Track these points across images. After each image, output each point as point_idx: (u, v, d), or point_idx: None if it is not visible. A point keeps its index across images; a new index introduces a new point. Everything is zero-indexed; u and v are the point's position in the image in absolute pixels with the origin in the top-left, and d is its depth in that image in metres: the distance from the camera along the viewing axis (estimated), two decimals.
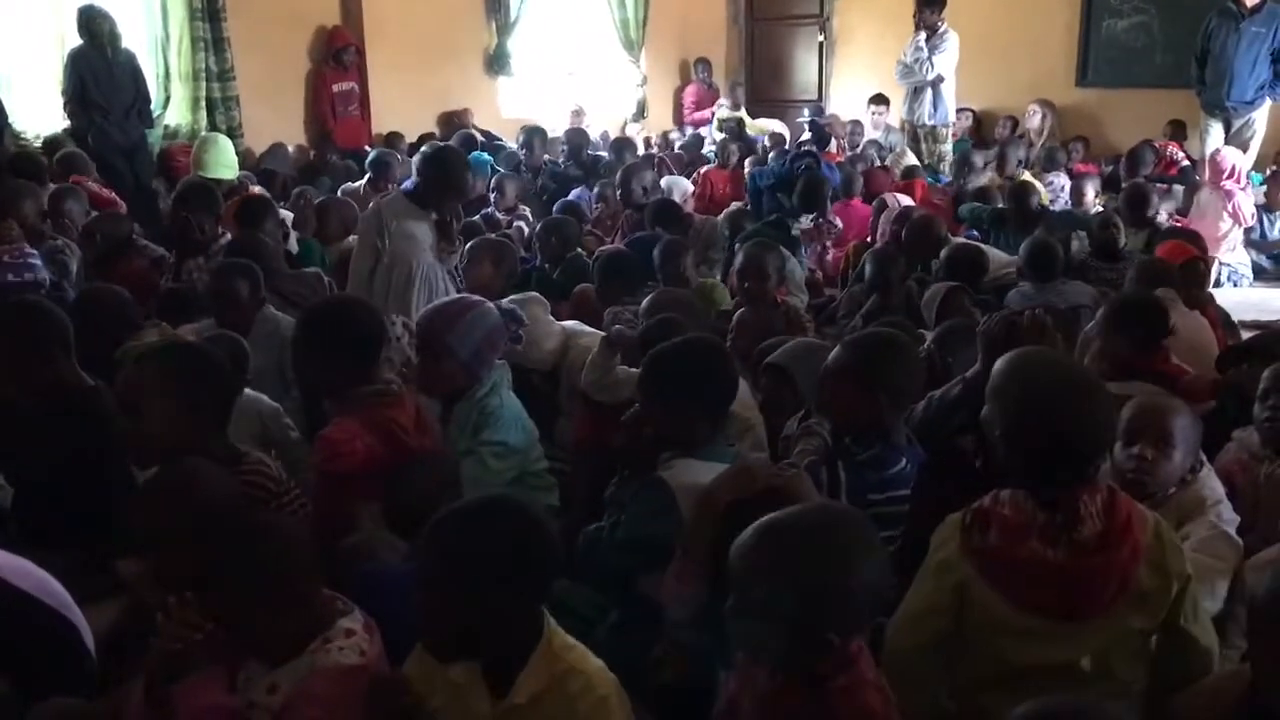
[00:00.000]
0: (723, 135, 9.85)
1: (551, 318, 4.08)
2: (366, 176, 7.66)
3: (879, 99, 10.34)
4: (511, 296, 4.08)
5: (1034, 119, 9.81)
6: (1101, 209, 6.81)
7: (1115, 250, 5.43)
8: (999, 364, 2.06)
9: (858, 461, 2.52)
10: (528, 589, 1.86)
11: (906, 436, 2.69)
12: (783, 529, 1.73)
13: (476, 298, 3.38)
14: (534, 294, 4.19)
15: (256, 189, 6.66)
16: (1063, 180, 8.12)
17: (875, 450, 2.55)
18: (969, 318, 4.03)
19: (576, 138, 9.02)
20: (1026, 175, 7.79)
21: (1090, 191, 7.00)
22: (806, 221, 6.41)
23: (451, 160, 4.48)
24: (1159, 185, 7.45)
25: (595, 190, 7.27)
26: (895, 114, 10.63)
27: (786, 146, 9.50)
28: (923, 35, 8.36)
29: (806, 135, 7.99)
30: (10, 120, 7.49)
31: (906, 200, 6.83)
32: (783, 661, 1.74)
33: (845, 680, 1.71)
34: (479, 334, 3.16)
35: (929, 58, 8.32)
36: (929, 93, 8.53)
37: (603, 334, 3.78)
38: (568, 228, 5.68)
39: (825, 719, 1.71)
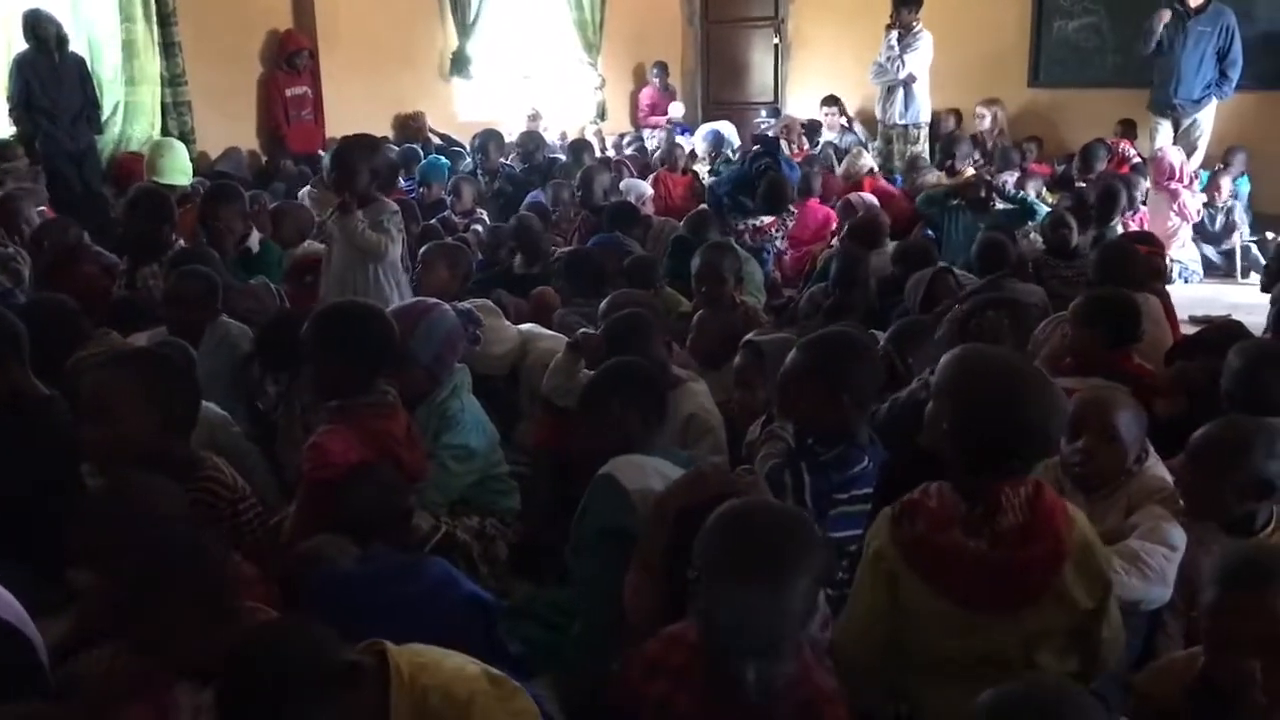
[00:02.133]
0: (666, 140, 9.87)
1: (506, 323, 4.07)
2: (322, 179, 7.60)
3: (830, 100, 10.40)
4: (464, 304, 4.07)
5: (984, 121, 9.89)
6: (1047, 209, 6.91)
7: (1068, 249, 5.49)
8: (947, 360, 2.06)
9: (821, 462, 2.52)
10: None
11: (869, 435, 2.70)
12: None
13: (432, 300, 3.37)
14: (485, 301, 4.16)
15: None
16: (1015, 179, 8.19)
17: (839, 450, 2.55)
18: (955, 300, 4.07)
19: (530, 141, 8.99)
20: (970, 170, 7.88)
21: (1032, 192, 7.07)
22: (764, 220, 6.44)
23: (338, 145, 4.47)
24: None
25: (549, 193, 7.25)
26: (849, 112, 10.77)
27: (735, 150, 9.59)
28: (895, 34, 8.38)
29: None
30: None
31: (872, 200, 6.87)
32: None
33: (804, 693, 1.72)
34: (439, 337, 3.15)
35: (901, 56, 8.36)
36: (900, 92, 8.57)
37: (563, 337, 3.79)
38: (537, 228, 5.69)
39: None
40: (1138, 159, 8.40)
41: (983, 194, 6.47)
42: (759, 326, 4.19)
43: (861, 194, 7.02)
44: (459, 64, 10.45)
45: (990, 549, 1.91)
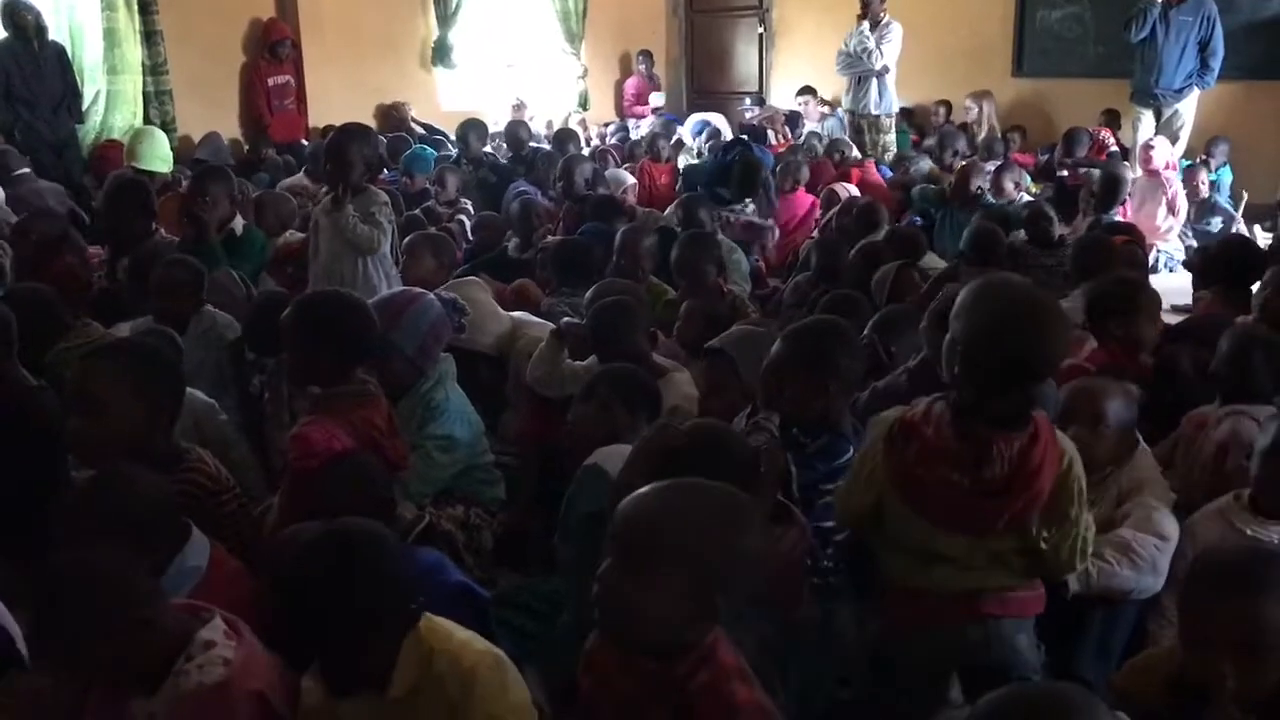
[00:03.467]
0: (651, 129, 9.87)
1: (494, 301, 4.06)
2: (304, 169, 7.58)
3: (806, 90, 10.41)
4: (450, 282, 4.07)
5: (971, 112, 9.90)
6: (1030, 198, 6.92)
7: (1050, 239, 5.49)
8: (965, 289, 2.10)
9: (807, 454, 2.52)
10: (382, 614, 1.87)
11: (853, 424, 2.71)
12: (681, 486, 1.69)
13: (417, 290, 3.36)
14: (472, 277, 4.16)
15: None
16: None
17: (824, 440, 2.55)
18: (918, 294, 4.07)
19: (515, 130, 8.97)
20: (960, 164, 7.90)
21: (1009, 183, 7.05)
22: (749, 211, 6.44)
23: (330, 136, 4.45)
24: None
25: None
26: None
27: (724, 139, 9.59)
28: (866, 25, 8.38)
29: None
30: None
31: (855, 191, 6.88)
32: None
33: (707, 675, 1.63)
34: (424, 327, 3.15)
35: (878, 47, 8.35)
36: (874, 83, 8.57)
37: (551, 326, 3.78)
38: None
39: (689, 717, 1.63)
40: (1116, 148, 8.43)
41: (974, 190, 6.46)
42: (745, 316, 4.20)
43: (845, 184, 7.02)
44: (441, 53, 10.42)
45: (970, 488, 1.99)
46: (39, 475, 2.79)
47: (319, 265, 4.23)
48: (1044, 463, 1.99)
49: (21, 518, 2.72)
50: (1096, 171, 7.11)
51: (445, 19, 10.36)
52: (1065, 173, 8.02)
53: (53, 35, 7.71)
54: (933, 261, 5.18)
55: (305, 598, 1.87)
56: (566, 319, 3.63)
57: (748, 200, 6.64)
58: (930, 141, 8.97)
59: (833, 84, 10.72)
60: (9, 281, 4.62)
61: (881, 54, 8.40)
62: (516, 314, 4.13)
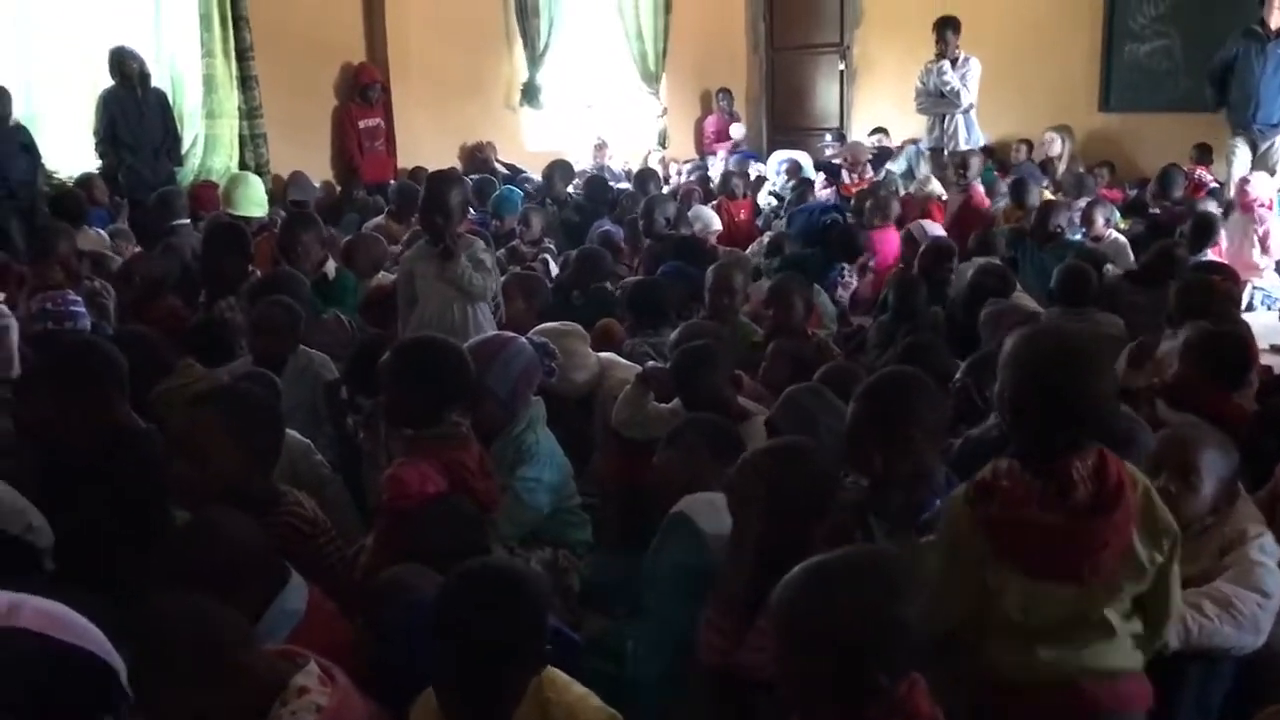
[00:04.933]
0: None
1: (589, 350, 4.09)
2: (387, 210, 7.75)
3: (878, 130, 10.38)
4: (545, 326, 4.11)
5: (1053, 146, 9.75)
6: (1116, 236, 6.78)
7: (1161, 275, 5.34)
8: (1011, 336, 2.14)
9: (894, 511, 2.44)
10: (527, 652, 1.94)
11: (945, 474, 2.65)
12: (828, 566, 1.74)
13: (509, 334, 3.41)
14: (573, 326, 4.19)
15: None
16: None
17: (918, 495, 2.48)
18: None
19: (596, 173, 9.08)
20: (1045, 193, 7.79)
21: (1100, 218, 6.90)
22: (849, 277, 6.40)
23: (428, 184, 4.51)
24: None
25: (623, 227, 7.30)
26: (914, 135, 10.71)
27: (805, 174, 9.60)
28: (946, 63, 8.32)
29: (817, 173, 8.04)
30: (43, 160, 7.62)
31: (936, 229, 6.80)
32: (828, 705, 1.72)
33: None
34: (515, 371, 3.19)
35: (963, 84, 8.29)
36: (960, 119, 8.49)
37: (638, 368, 3.81)
38: (601, 260, 5.71)
39: None
40: (1214, 184, 8.24)
41: (1053, 229, 6.32)
42: (830, 358, 4.16)
43: (923, 223, 6.94)
44: (529, 94, 10.61)
45: (1066, 522, 1.98)
46: (144, 515, 2.89)
47: (424, 313, 4.29)
48: (1121, 475, 2.00)
49: (127, 556, 2.82)
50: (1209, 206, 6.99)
51: (535, 60, 10.55)
52: (1158, 210, 7.86)
53: (155, 82, 8.02)
54: (1024, 299, 5.11)
55: (463, 630, 1.91)
56: (651, 364, 3.65)
57: (844, 267, 6.59)
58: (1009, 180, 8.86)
59: (916, 118, 10.69)
60: (113, 322, 4.80)
61: (968, 89, 8.35)
62: (603, 355, 4.16)
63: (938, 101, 8.51)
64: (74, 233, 5.41)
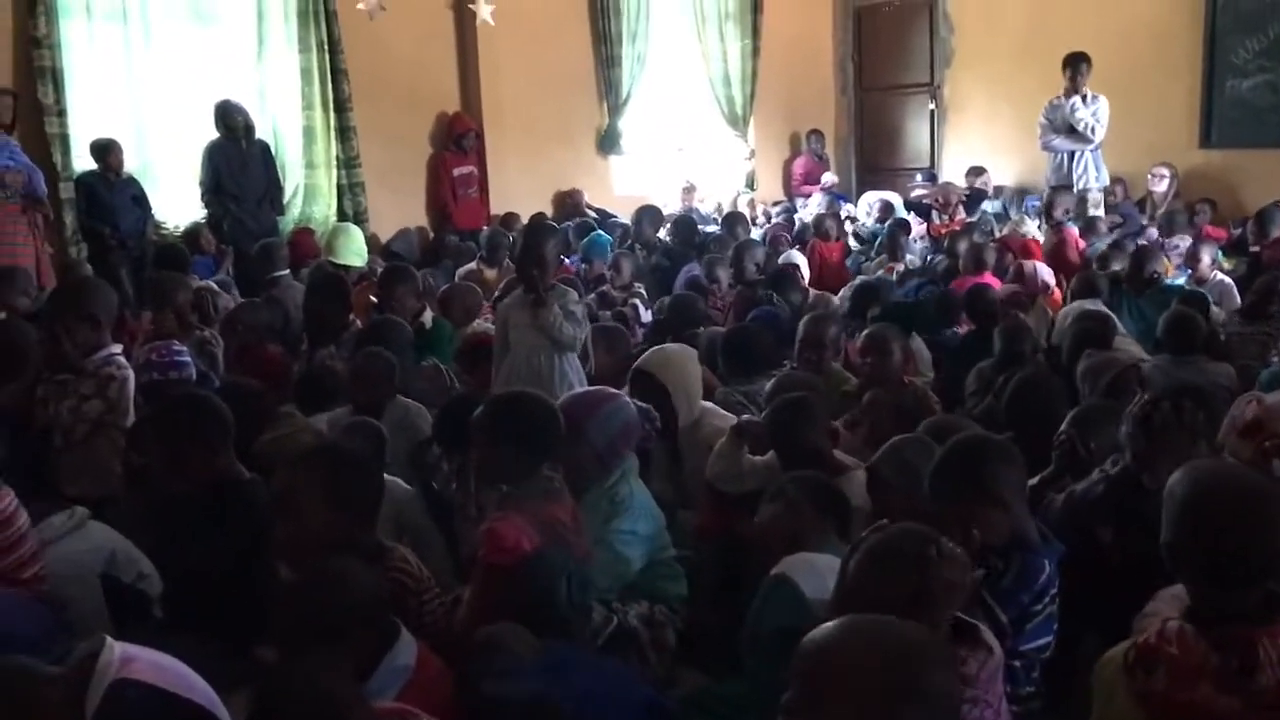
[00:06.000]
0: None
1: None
2: (479, 256, 7.87)
3: (977, 170, 10.25)
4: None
5: (1161, 183, 9.50)
6: (1222, 277, 6.58)
7: (1265, 314, 5.16)
8: (1172, 481, 1.93)
9: (1004, 585, 2.39)
10: None
11: (1040, 532, 2.59)
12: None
13: (613, 391, 3.43)
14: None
15: None
16: (1188, 244, 7.83)
17: (1017, 563, 2.43)
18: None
19: (685, 215, 9.13)
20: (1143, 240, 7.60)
21: (1207, 258, 6.70)
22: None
23: (524, 235, 4.56)
24: None
25: (704, 268, 7.30)
26: (1008, 177, 10.57)
27: (897, 215, 9.52)
28: (1078, 99, 8.16)
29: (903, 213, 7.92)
30: (152, 211, 7.93)
31: (1047, 272, 6.64)
32: None
33: None
34: (616, 426, 3.20)
35: (1097, 122, 8.17)
36: (1090, 157, 8.36)
37: (730, 416, 3.80)
38: (692, 306, 5.72)
39: None
40: None
41: (1147, 274, 6.12)
42: (929, 407, 4.09)
43: (1037, 265, 6.79)
44: (610, 141, 10.73)
45: (1245, 709, 1.74)
46: (251, 566, 2.95)
47: (515, 361, 4.35)
48: None
49: (234, 605, 2.89)
50: None
51: (616, 108, 10.68)
52: (1258, 248, 7.61)
53: (258, 134, 8.31)
54: (1125, 345, 4.99)
55: None
56: (746, 416, 3.64)
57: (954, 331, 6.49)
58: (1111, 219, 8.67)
59: (1007, 158, 10.56)
60: (220, 370, 4.94)
61: (1101, 126, 8.21)
62: (703, 402, 4.15)
63: (1067, 138, 8.36)
64: (187, 283, 5.59)
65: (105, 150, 7.57)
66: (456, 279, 7.21)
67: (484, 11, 9.38)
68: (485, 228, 9.21)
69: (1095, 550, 2.99)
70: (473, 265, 7.77)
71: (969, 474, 2.46)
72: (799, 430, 3.36)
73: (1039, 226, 8.37)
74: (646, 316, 6.61)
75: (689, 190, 10.85)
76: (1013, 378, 4.03)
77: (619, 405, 3.26)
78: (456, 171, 9.51)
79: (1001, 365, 4.64)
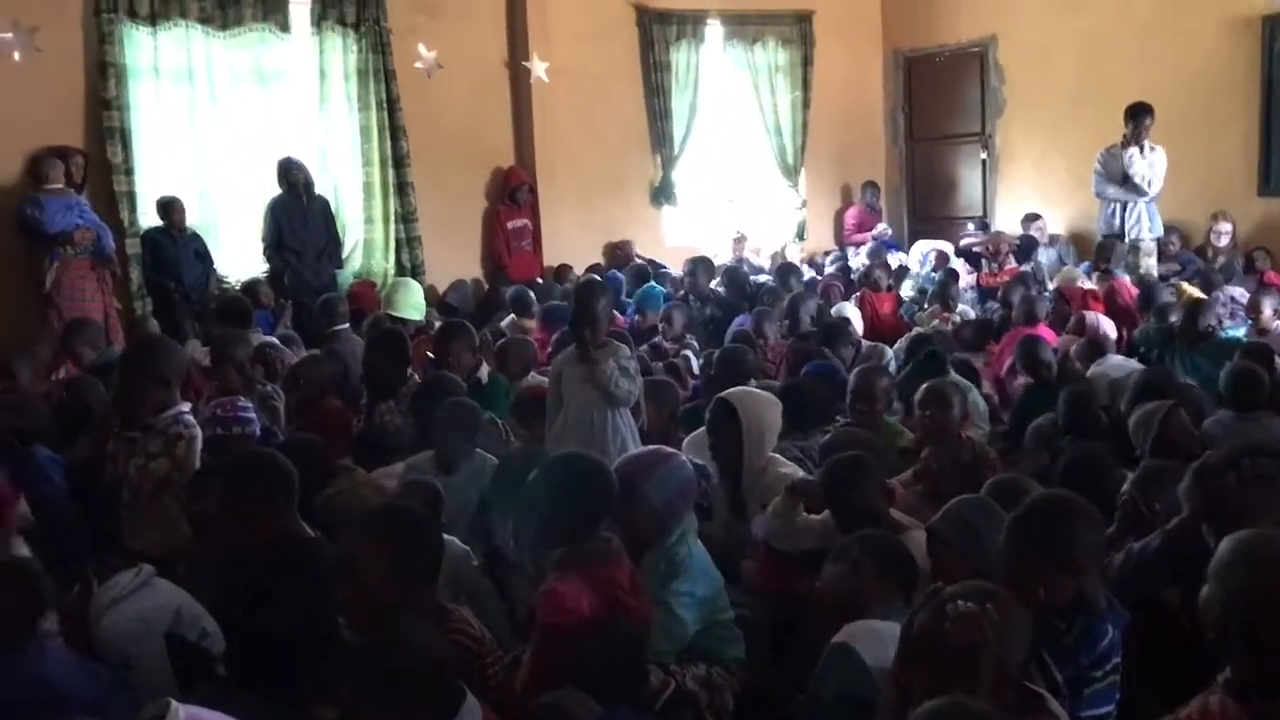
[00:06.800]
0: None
1: None
2: (536, 309, 7.89)
3: (1034, 216, 10.19)
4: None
5: (1224, 238, 9.33)
6: None
7: None
8: (1227, 542, 1.91)
9: (1066, 645, 2.37)
10: None
11: (1106, 598, 2.56)
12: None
13: (670, 450, 3.43)
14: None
15: None
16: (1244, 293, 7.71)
17: (1080, 625, 2.41)
18: (1187, 438, 3.79)
19: (736, 267, 9.16)
20: (1192, 290, 7.48)
21: (1269, 308, 6.56)
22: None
23: (577, 293, 4.63)
24: None
25: (754, 321, 7.31)
26: (1060, 226, 10.48)
27: (951, 265, 9.49)
28: (1135, 150, 8.11)
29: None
30: (215, 265, 8.12)
31: (1106, 322, 6.56)
32: None
33: None
34: (674, 486, 3.20)
35: (1154, 174, 8.11)
36: (1144, 208, 8.29)
37: (785, 470, 3.79)
38: (743, 359, 5.72)
39: None
40: None
41: (1201, 328, 6.00)
42: (988, 462, 4.05)
43: (1099, 316, 6.71)
44: (664, 192, 10.82)
45: None
46: (313, 626, 2.98)
47: (570, 416, 4.39)
48: None
49: (295, 666, 2.92)
50: None
51: (668, 160, 10.79)
52: None
53: (318, 190, 8.49)
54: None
55: None
56: (801, 475, 3.63)
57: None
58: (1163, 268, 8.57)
59: (1060, 207, 10.49)
60: (283, 425, 5.02)
61: (1159, 178, 8.16)
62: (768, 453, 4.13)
63: (1122, 188, 8.30)
64: (249, 339, 5.70)
65: (169, 207, 7.82)
66: (503, 329, 7.30)
67: (538, 69, 9.56)
68: (539, 279, 9.31)
69: (1161, 612, 2.95)
70: (523, 320, 7.81)
71: (1048, 534, 2.44)
72: (855, 490, 3.35)
73: (1090, 276, 8.28)
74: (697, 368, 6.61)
75: (739, 240, 10.89)
76: (1073, 444, 3.98)
77: (676, 465, 3.27)
78: (510, 224, 9.65)
79: (1065, 429, 4.56)
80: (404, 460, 4.24)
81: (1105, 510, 3.20)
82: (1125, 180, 8.22)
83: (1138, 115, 8.11)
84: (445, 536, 3.42)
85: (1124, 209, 8.35)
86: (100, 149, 7.74)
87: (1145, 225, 8.29)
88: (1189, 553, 2.76)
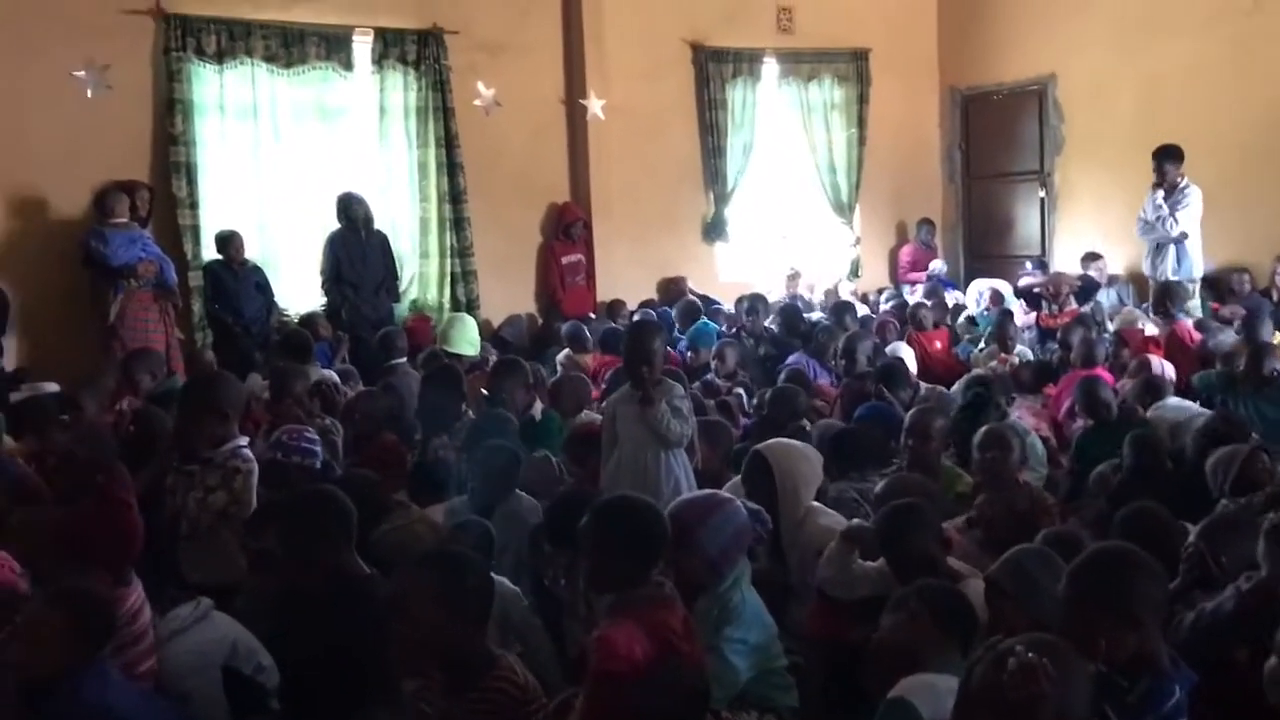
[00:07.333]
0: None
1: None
2: (596, 342, 7.94)
3: (1093, 256, 10.09)
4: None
5: None
6: None
7: None
8: None
9: (1129, 703, 2.31)
10: None
11: (1171, 656, 2.49)
12: None
13: (726, 495, 3.41)
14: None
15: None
16: None
17: (1145, 685, 2.34)
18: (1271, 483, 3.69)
19: (791, 305, 9.13)
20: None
21: None
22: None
23: (631, 333, 4.66)
24: None
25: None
26: (1118, 266, 10.32)
27: (1006, 304, 9.39)
28: (1160, 193, 8.16)
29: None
30: (275, 298, 8.25)
31: (1168, 367, 6.44)
32: None
33: None
34: (728, 532, 3.18)
35: (1172, 214, 8.12)
36: (1172, 249, 8.27)
37: (839, 516, 3.75)
38: (795, 399, 5.69)
39: None
40: None
41: (1266, 372, 5.83)
42: (1045, 508, 3.98)
43: (1163, 362, 6.58)
44: (716, 229, 10.84)
45: None
46: (363, 659, 3.00)
47: (623, 456, 4.38)
48: None
49: (348, 701, 2.94)
50: None
51: (722, 197, 10.81)
52: None
53: (377, 225, 8.62)
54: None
55: None
56: (856, 521, 3.59)
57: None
58: (1228, 310, 8.40)
59: (1122, 246, 10.34)
60: (340, 459, 5.06)
61: (1177, 221, 8.13)
62: (811, 503, 4.10)
63: (1148, 228, 8.34)
64: (308, 373, 5.78)
65: (227, 241, 7.99)
66: (557, 364, 7.33)
67: (595, 106, 9.66)
68: (592, 314, 9.35)
69: (1231, 672, 2.87)
70: (576, 355, 7.84)
71: (1109, 586, 2.39)
72: (911, 538, 3.30)
73: (1150, 317, 8.16)
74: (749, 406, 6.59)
75: (793, 277, 10.88)
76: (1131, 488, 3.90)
77: (731, 510, 3.25)
78: (565, 259, 9.73)
79: (1130, 472, 4.45)
80: (452, 499, 4.26)
81: (1169, 564, 3.12)
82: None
83: (1157, 158, 8.27)
84: (495, 577, 3.46)
85: (1157, 250, 8.37)
86: (166, 184, 7.93)
87: (1170, 267, 8.28)
88: (1260, 618, 2.69)
